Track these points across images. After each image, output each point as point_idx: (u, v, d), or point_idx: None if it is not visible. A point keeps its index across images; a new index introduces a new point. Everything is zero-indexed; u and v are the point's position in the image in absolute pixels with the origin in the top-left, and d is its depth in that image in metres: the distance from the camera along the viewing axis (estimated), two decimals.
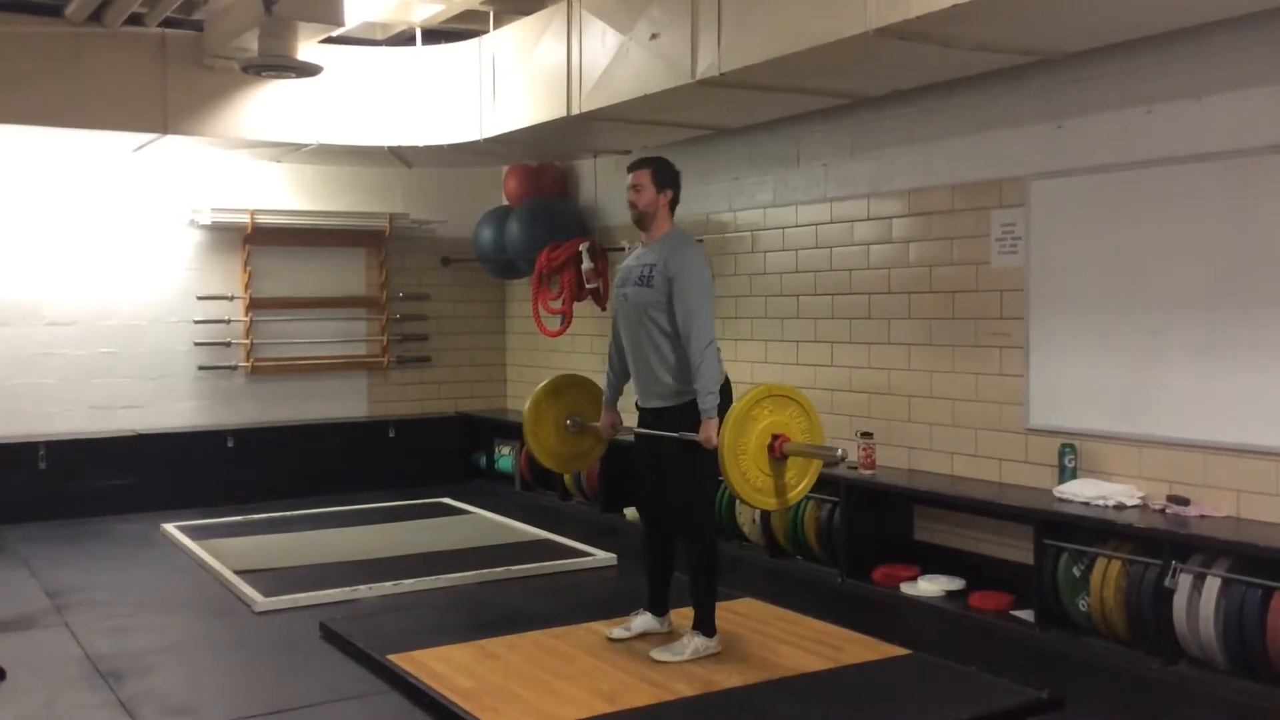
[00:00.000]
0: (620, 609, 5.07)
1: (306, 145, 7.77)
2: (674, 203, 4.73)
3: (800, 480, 4.47)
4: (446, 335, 9.57)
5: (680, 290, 4.49)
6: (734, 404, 4.34)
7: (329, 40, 7.04)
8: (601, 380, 5.06)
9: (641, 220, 4.71)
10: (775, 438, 4.35)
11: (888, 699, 4.21)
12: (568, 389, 5.28)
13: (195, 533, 7.22)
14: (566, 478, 8.12)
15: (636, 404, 4.78)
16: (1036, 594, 5.06)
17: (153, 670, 4.67)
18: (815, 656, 4.64)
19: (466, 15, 7.40)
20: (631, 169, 4.73)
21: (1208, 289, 4.85)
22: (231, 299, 8.66)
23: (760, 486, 4.37)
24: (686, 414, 4.51)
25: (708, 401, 4.41)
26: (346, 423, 9.06)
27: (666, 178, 4.70)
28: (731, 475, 4.28)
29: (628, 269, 4.75)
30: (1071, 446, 5.32)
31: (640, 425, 4.76)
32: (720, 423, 4.34)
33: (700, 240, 4.72)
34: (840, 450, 4.40)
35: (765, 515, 6.38)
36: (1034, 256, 5.53)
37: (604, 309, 8.20)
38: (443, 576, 6.01)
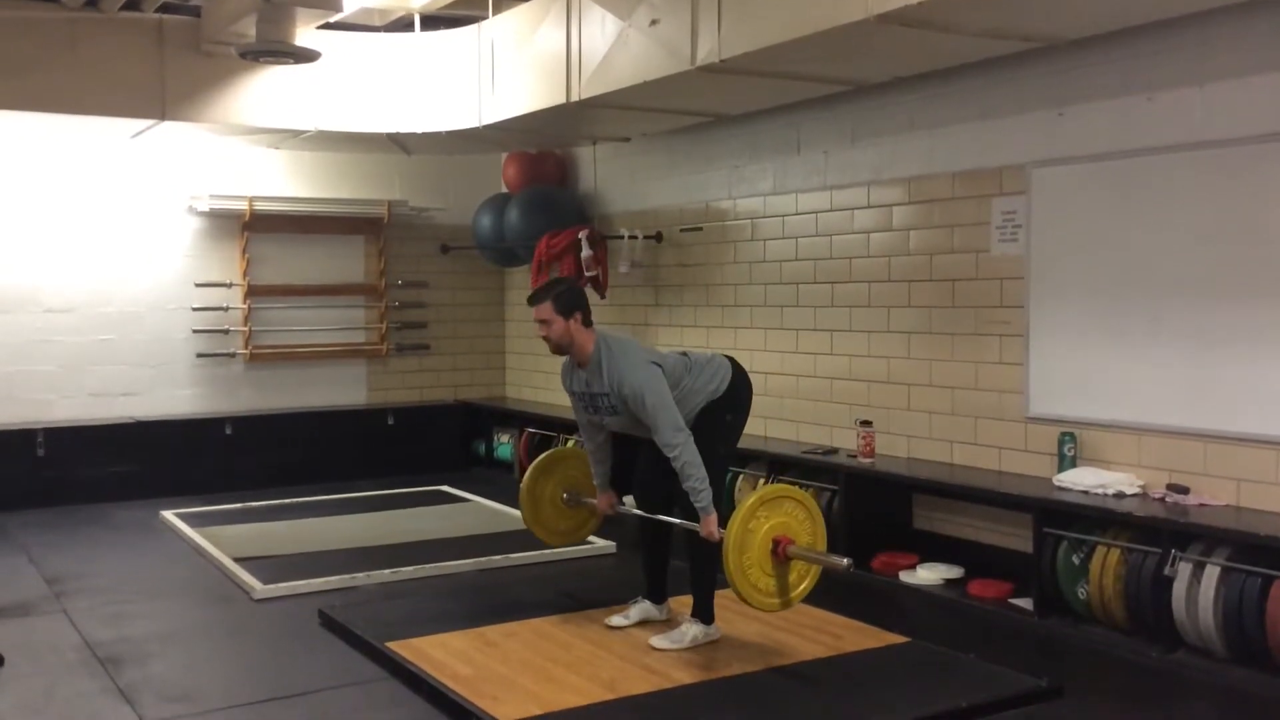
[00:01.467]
0: (619, 597, 5.07)
1: (305, 132, 7.75)
2: (587, 320, 4.62)
3: (802, 580, 4.39)
4: (445, 323, 9.55)
5: (636, 409, 4.45)
6: (732, 520, 4.21)
7: (327, 26, 7.02)
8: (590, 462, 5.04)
9: (561, 351, 4.65)
10: (777, 542, 4.26)
11: (886, 687, 4.22)
12: (555, 466, 5.28)
13: (194, 520, 7.22)
14: None
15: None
16: (1035, 582, 5.06)
17: (151, 657, 4.67)
18: (814, 644, 4.64)
19: (465, 1, 7.36)
20: (531, 304, 4.64)
21: (1209, 277, 4.84)
22: (230, 286, 8.65)
23: (764, 589, 4.28)
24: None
25: (701, 500, 4.37)
26: (345, 410, 9.05)
27: (567, 302, 4.58)
28: (744, 591, 4.21)
29: (587, 397, 4.69)
30: (1071, 435, 5.31)
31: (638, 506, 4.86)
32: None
33: (624, 337, 4.72)
34: (847, 561, 4.26)
35: None
36: (1034, 245, 5.52)
37: (604, 297, 8.18)
38: (442, 564, 6.01)
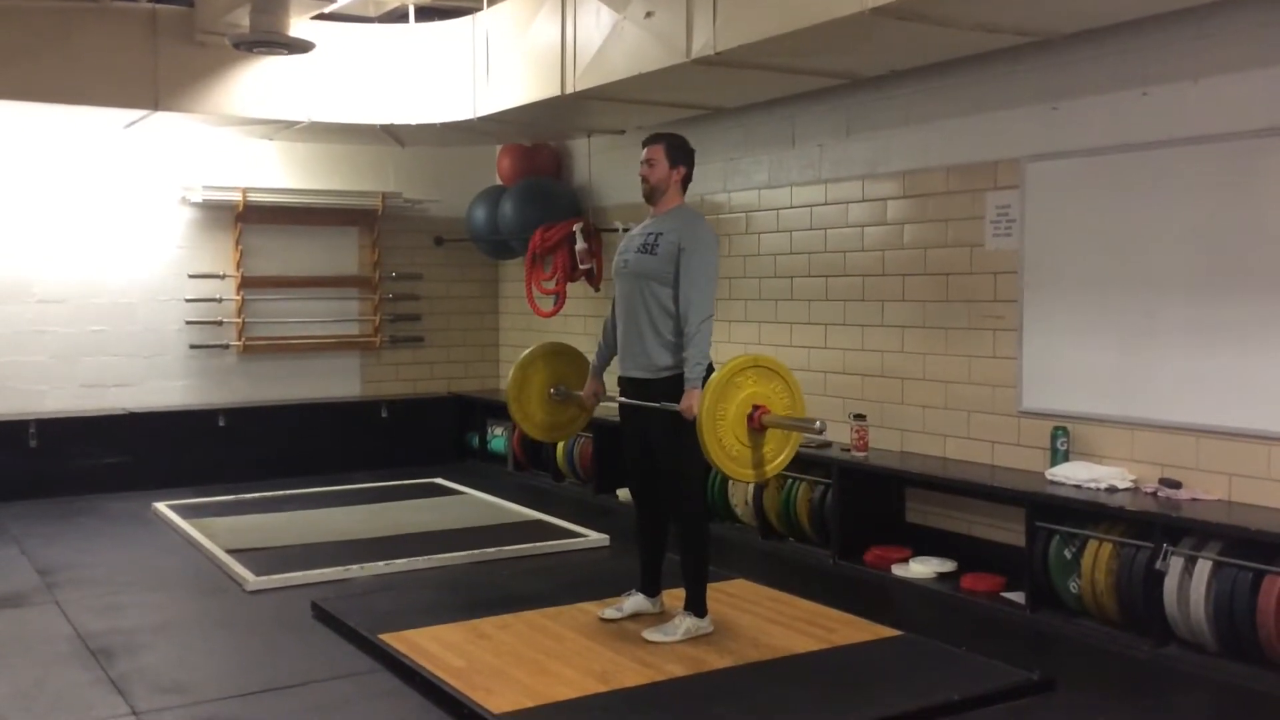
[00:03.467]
0: (612, 589, 5.07)
1: (299, 123, 7.73)
2: (686, 180, 4.71)
3: (778, 454, 4.44)
4: (439, 315, 9.54)
5: (687, 262, 4.47)
6: (708, 385, 4.29)
7: (321, 17, 7.00)
8: (592, 354, 5.05)
9: (651, 195, 4.69)
10: (755, 409, 4.32)
11: (879, 680, 4.22)
12: (553, 357, 5.26)
13: (187, 511, 7.20)
14: (560, 458, 8.12)
15: (620, 375, 4.77)
16: (1028, 576, 5.07)
17: (144, 648, 4.66)
18: (807, 637, 4.65)
19: None
20: (646, 144, 4.71)
21: (1202, 272, 4.85)
22: (223, 277, 8.63)
23: (737, 456, 4.33)
24: (668, 388, 4.51)
25: (694, 371, 4.39)
26: (339, 402, 9.04)
27: (680, 154, 4.68)
28: (708, 441, 4.25)
29: (631, 237, 4.74)
30: (1064, 429, 5.32)
31: (622, 395, 4.75)
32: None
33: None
34: (819, 423, 4.32)
35: (758, 496, 6.38)
36: (1028, 239, 5.52)
37: (597, 289, 8.18)
38: (435, 556, 6.01)
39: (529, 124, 7.77)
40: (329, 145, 8.90)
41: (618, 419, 4.90)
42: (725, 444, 4.31)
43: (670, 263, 4.51)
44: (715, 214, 7.35)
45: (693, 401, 4.35)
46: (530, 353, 5.25)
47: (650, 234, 4.62)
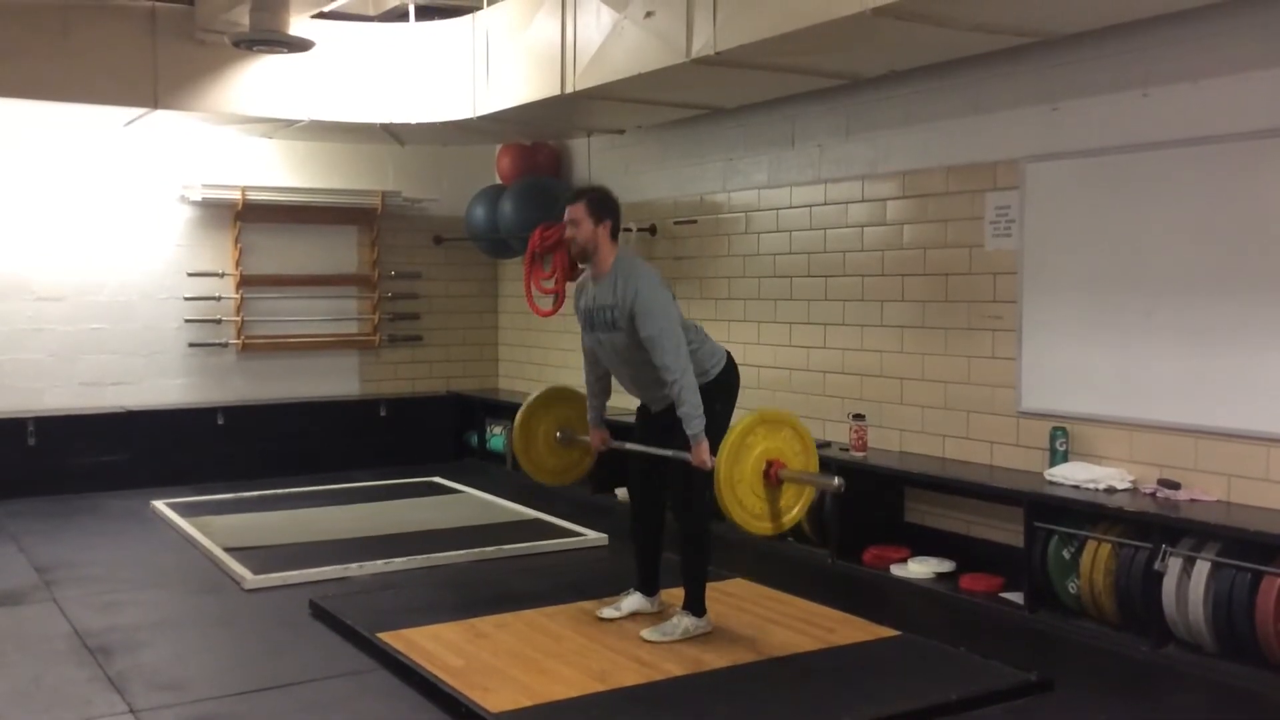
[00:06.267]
0: (611, 589, 5.08)
1: (298, 121, 7.72)
2: (615, 232, 4.62)
3: (795, 504, 4.45)
4: (438, 314, 9.54)
5: (641, 326, 4.41)
6: (728, 433, 4.28)
7: (321, 15, 6.99)
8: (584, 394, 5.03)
9: (583, 256, 4.62)
10: (770, 464, 4.32)
11: (877, 680, 4.22)
12: (551, 403, 5.26)
13: (185, 510, 7.20)
14: None
15: (639, 405, 4.81)
16: (1026, 576, 5.08)
17: (141, 646, 4.66)
18: (805, 637, 4.65)
19: None
20: (566, 203, 4.64)
21: (1201, 273, 4.85)
22: (222, 276, 8.62)
23: (756, 513, 4.34)
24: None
25: (694, 426, 4.36)
26: (337, 401, 9.04)
27: (602, 209, 4.58)
28: (729, 505, 4.26)
29: (589, 311, 4.67)
30: (1063, 430, 5.32)
31: (638, 419, 4.79)
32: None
33: (648, 261, 4.70)
34: (838, 480, 4.31)
35: None
36: (1028, 239, 5.52)
37: None
38: (433, 555, 6.01)
39: (529, 123, 7.76)
40: (328, 144, 8.90)
41: (619, 419, 4.90)
42: (745, 504, 4.31)
43: (633, 330, 4.46)
44: (714, 213, 7.36)
45: (703, 455, 4.34)
46: (527, 406, 5.22)
47: (605, 308, 4.55)
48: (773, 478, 4.31)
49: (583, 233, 4.55)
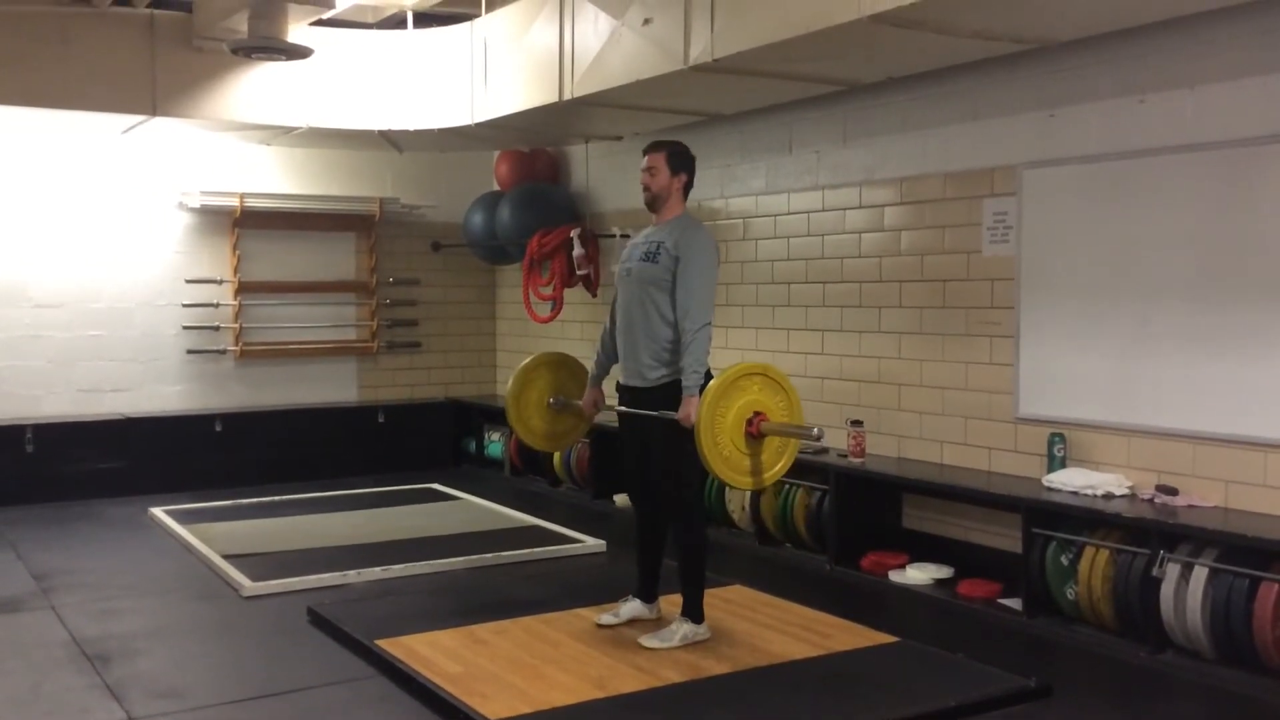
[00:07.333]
0: (609, 595, 5.07)
1: (296, 128, 7.73)
2: (687, 187, 4.74)
3: (776, 461, 4.47)
4: (436, 320, 9.54)
5: (684, 270, 4.50)
6: (706, 393, 4.32)
7: (319, 23, 7.00)
8: (590, 363, 5.05)
9: (653, 203, 4.71)
10: (754, 416, 4.34)
11: (875, 686, 4.22)
12: (554, 367, 5.27)
13: (183, 516, 7.20)
14: (556, 463, 8.12)
15: (618, 383, 4.78)
16: (1024, 582, 5.07)
17: (140, 654, 4.66)
18: (804, 644, 4.65)
19: None
20: (646, 151, 4.73)
21: (1199, 279, 4.86)
22: (220, 282, 8.62)
23: (735, 463, 4.36)
24: (665, 396, 4.52)
25: (692, 379, 4.40)
26: (336, 408, 9.03)
27: (681, 162, 4.70)
28: (705, 446, 4.27)
29: (634, 245, 4.75)
30: (1060, 436, 5.33)
31: (620, 404, 4.76)
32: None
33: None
34: (817, 430, 4.36)
35: (755, 502, 6.38)
36: (1025, 246, 5.53)
37: (595, 295, 8.18)
38: (431, 562, 6.00)
39: (527, 130, 7.77)
40: (326, 150, 8.91)
41: (616, 425, 4.91)
42: (724, 452, 4.32)
43: (670, 270, 4.53)
44: (712, 220, 7.36)
45: (690, 410, 4.35)
46: (532, 360, 5.26)
47: (652, 242, 4.64)
48: (754, 429, 4.34)
49: (658, 182, 4.67)
